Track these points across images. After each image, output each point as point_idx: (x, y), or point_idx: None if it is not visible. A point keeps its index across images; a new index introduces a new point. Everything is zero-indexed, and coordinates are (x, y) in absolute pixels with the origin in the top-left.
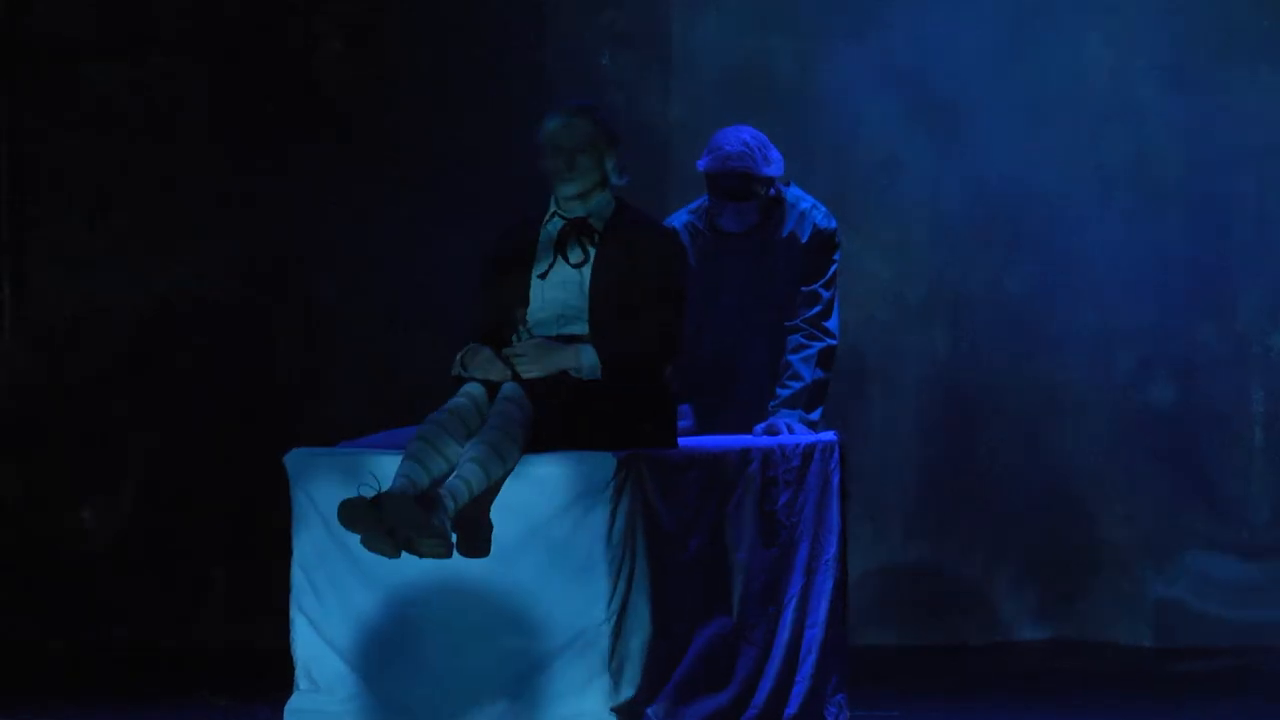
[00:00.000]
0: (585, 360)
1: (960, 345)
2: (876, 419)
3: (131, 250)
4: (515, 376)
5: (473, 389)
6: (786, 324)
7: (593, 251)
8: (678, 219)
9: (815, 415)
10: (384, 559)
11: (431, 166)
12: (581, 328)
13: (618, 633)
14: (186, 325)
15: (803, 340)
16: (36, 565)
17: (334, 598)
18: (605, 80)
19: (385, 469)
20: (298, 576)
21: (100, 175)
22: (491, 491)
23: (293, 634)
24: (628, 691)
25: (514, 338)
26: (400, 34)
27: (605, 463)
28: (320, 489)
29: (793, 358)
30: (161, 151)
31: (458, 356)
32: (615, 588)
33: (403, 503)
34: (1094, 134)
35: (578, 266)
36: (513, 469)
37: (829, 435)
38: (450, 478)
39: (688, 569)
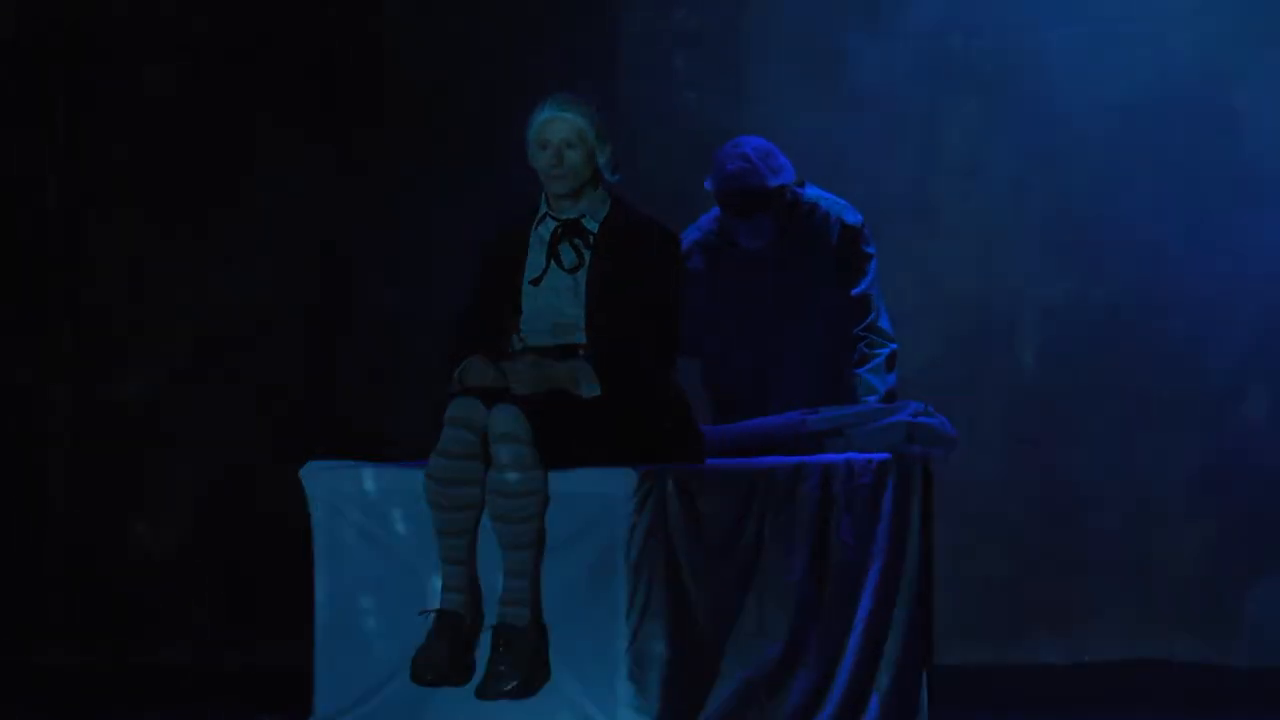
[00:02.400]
0: (582, 379)
1: (1046, 358)
2: (962, 431)
3: (191, 257)
4: (508, 391)
5: (462, 436)
6: (855, 331)
7: (588, 255)
8: (688, 237)
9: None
10: (403, 575)
11: (497, 169)
12: (578, 338)
13: (637, 656)
14: (248, 331)
15: (865, 350)
16: (88, 579)
17: (354, 616)
18: (677, 81)
19: (401, 482)
20: (319, 594)
21: (158, 179)
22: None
23: (315, 653)
24: (646, 717)
25: (511, 347)
26: (469, 32)
27: (625, 479)
28: (339, 502)
29: (861, 370)
30: (221, 153)
31: (455, 373)
32: (633, 608)
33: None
34: (1184, 138)
35: (572, 271)
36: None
37: (914, 449)
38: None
39: (725, 590)
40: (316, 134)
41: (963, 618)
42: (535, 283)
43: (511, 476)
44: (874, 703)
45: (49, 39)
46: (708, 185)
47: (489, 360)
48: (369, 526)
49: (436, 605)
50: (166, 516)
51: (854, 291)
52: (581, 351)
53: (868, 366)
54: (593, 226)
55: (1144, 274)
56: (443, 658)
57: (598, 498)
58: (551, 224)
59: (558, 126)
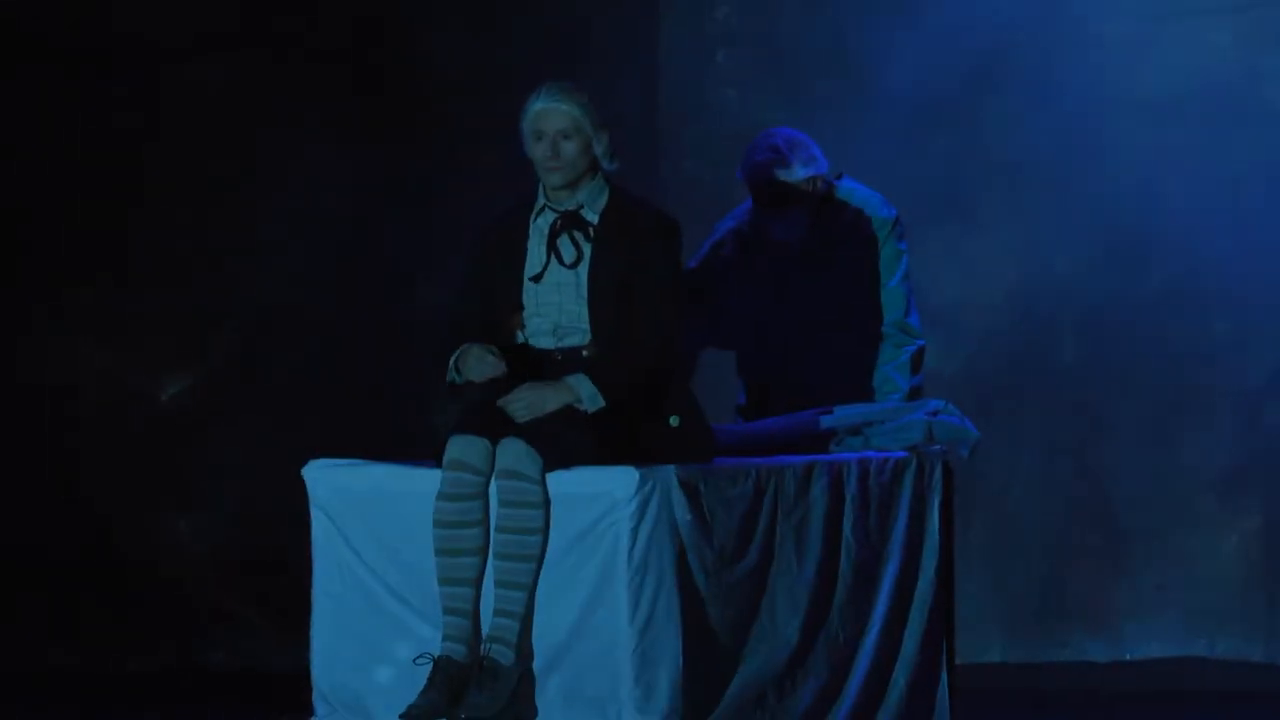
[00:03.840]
0: (584, 393)
1: (1087, 353)
2: (1002, 429)
3: (230, 258)
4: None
5: (469, 460)
6: (883, 327)
7: (588, 249)
8: (724, 225)
9: None
10: (402, 575)
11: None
12: (580, 338)
13: (642, 658)
14: (286, 333)
15: (892, 347)
16: (129, 578)
17: (353, 617)
18: (717, 78)
19: (403, 482)
20: (317, 595)
21: (192, 177)
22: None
23: (311, 656)
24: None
25: (515, 339)
26: (508, 31)
27: (626, 478)
28: (339, 502)
29: (886, 367)
30: (255, 151)
31: (451, 361)
32: (637, 611)
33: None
34: (1225, 135)
35: (572, 266)
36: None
37: (935, 448)
38: (492, 630)
39: (733, 592)
40: (352, 135)
41: (1003, 615)
42: (536, 279)
43: (517, 514)
44: (890, 703)
45: (83, 36)
46: (739, 175)
47: (486, 347)
48: (370, 526)
49: (434, 653)
50: (202, 515)
51: (884, 287)
52: (584, 352)
53: (893, 364)
54: (592, 217)
55: (1184, 272)
56: (438, 707)
57: (599, 497)
58: (551, 215)
59: (553, 117)
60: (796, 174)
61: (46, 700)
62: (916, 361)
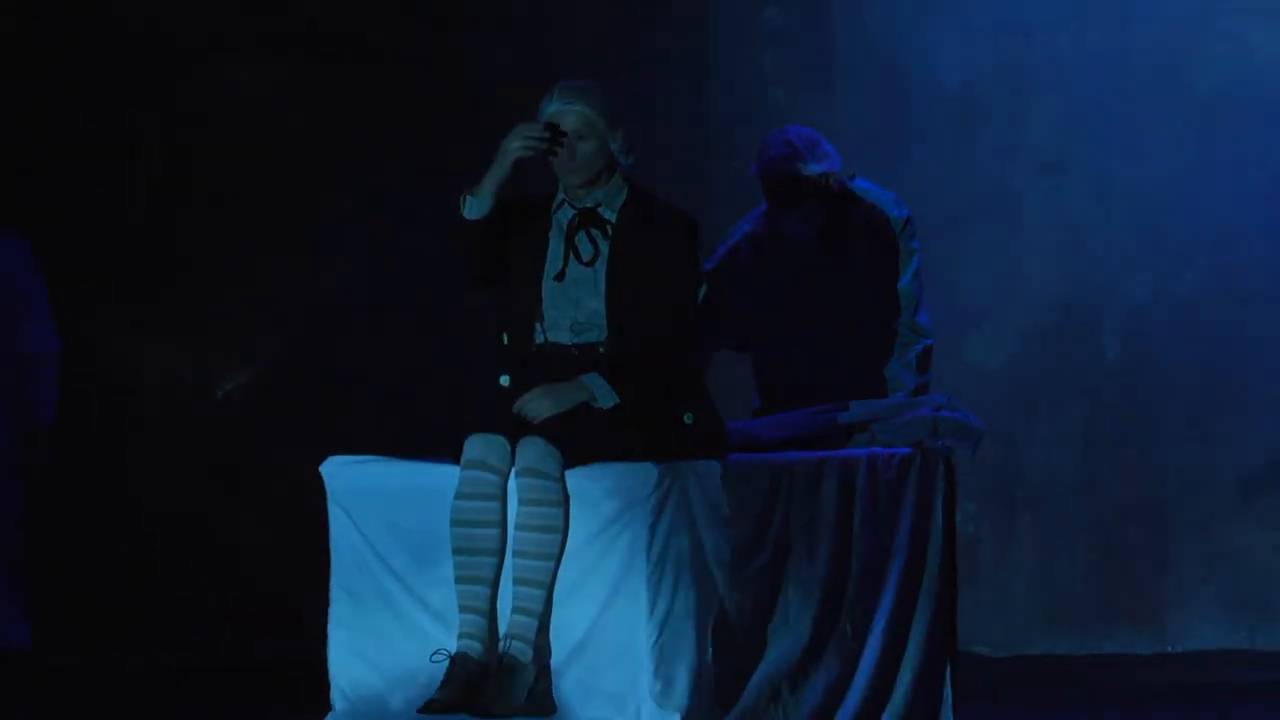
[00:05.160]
0: (598, 391)
1: (1129, 350)
2: (1045, 425)
3: (284, 257)
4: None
5: (488, 478)
6: (894, 326)
7: (605, 246)
8: (739, 230)
9: None
10: (420, 571)
11: None
12: (597, 334)
13: (661, 653)
14: (337, 331)
15: (901, 345)
16: (182, 572)
17: (371, 613)
18: (766, 79)
19: (421, 478)
20: (336, 591)
21: (251, 180)
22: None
23: (329, 650)
24: (673, 716)
25: (534, 334)
26: (558, 33)
27: (646, 474)
28: (356, 499)
29: (894, 365)
30: (313, 155)
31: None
32: (656, 607)
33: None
34: (1266, 134)
35: (590, 264)
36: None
37: (939, 444)
38: (510, 627)
39: (749, 587)
40: (401, 137)
41: (1046, 609)
42: (559, 278)
43: (536, 511)
44: (898, 697)
45: (143, 43)
46: (752, 172)
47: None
48: (388, 523)
49: (450, 650)
50: (259, 510)
51: (897, 285)
52: (601, 349)
53: (901, 361)
54: (610, 215)
55: (1225, 268)
56: (456, 703)
57: (619, 493)
58: (570, 211)
59: (567, 118)
60: (811, 169)
61: (110, 694)
62: (924, 360)
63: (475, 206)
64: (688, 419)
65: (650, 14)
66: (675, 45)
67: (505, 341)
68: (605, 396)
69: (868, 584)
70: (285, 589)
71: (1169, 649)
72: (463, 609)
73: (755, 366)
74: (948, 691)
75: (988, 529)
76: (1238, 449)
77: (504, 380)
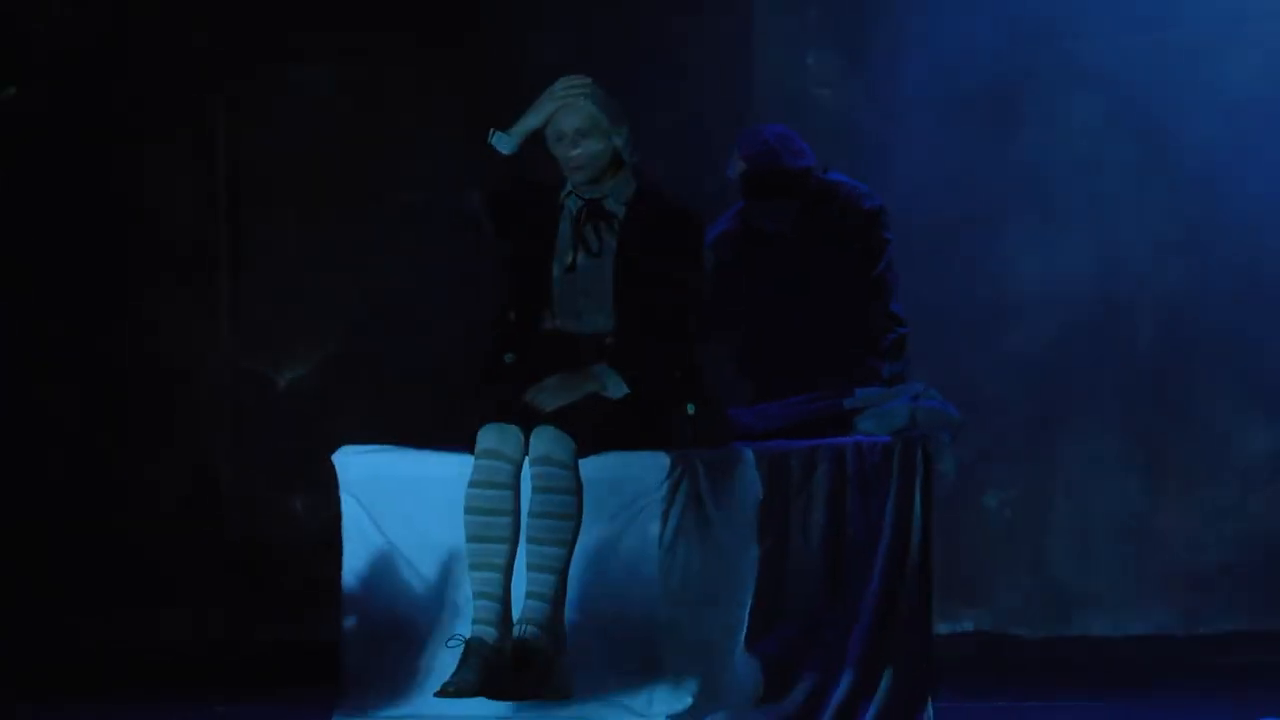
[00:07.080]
0: (609, 382)
1: (1164, 341)
2: (1081, 415)
3: (344, 253)
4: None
5: (501, 469)
6: (868, 315)
7: (611, 242)
8: (714, 231)
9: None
10: (433, 560)
11: None
12: (605, 325)
13: (674, 640)
14: (401, 322)
15: (875, 334)
16: (250, 556)
17: (384, 603)
18: (809, 79)
19: (434, 467)
20: (347, 578)
21: (313, 178)
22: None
23: (341, 638)
24: (685, 700)
25: (542, 318)
26: (603, 33)
27: (658, 463)
28: (369, 487)
29: (870, 353)
30: (373, 153)
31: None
32: (668, 593)
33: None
34: None
35: (597, 255)
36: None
37: (917, 432)
38: (525, 612)
39: (755, 573)
40: (456, 135)
41: (1082, 591)
42: (570, 269)
43: (550, 499)
44: (885, 678)
45: (210, 44)
46: (730, 172)
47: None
48: (400, 511)
49: (464, 635)
50: (317, 495)
51: (870, 275)
52: (609, 339)
53: (875, 350)
54: (617, 209)
55: (1257, 263)
56: (471, 685)
57: (631, 482)
58: (577, 201)
59: (570, 116)
60: (789, 164)
61: (171, 676)
62: (897, 348)
63: (506, 142)
64: (690, 409)
65: (694, 15)
66: (718, 45)
67: (511, 318)
68: (615, 387)
69: (857, 568)
70: (298, 576)
71: (1201, 630)
72: (477, 595)
73: (740, 363)
74: (929, 671)
75: (1023, 515)
76: (1269, 438)
77: (508, 358)
